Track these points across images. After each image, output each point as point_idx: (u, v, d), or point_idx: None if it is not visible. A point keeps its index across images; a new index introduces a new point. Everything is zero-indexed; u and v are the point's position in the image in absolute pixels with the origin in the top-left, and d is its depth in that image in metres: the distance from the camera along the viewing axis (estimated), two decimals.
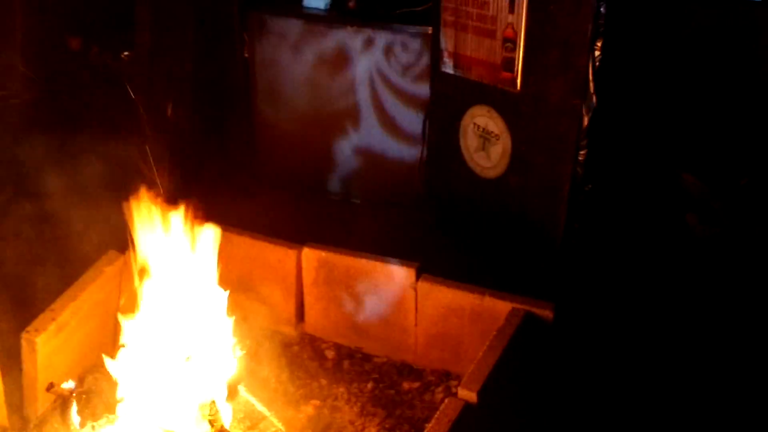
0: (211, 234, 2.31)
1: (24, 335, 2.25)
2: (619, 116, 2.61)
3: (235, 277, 2.56)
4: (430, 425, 1.95)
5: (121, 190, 2.53)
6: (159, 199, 2.31)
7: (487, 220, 2.85)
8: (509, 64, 2.62)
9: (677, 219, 2.75)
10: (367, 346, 2.59)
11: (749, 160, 2.72)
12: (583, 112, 2.51)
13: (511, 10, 2.56)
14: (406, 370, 2.53)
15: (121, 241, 2.55)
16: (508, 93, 2.65)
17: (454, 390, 2.24)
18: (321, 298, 2.61)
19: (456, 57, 2.78)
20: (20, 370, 2.28)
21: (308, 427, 2.29)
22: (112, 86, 3.26)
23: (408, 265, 2.47)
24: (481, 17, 2.64)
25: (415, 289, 2.46)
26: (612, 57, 2.47)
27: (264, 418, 2.31)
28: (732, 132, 2.73)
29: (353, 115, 3.22)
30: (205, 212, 2.45)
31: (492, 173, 2.80)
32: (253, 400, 2.32)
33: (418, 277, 2.46)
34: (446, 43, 2.79)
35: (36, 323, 2.28)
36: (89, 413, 2.28)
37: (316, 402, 2.39)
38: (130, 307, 2.28)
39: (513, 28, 2.58)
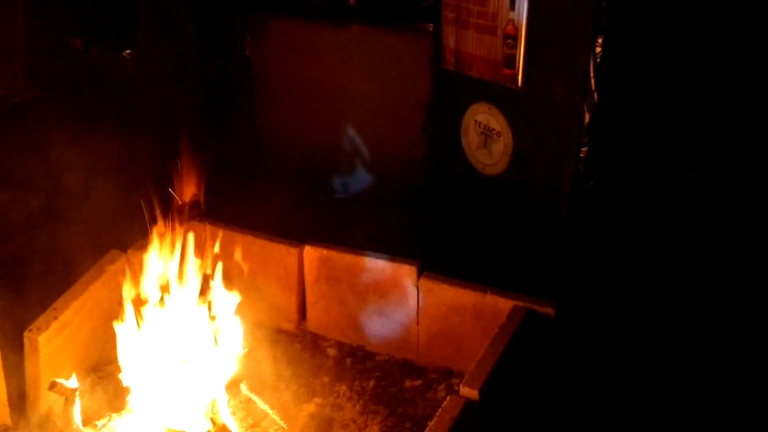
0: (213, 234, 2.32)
1: (26, 334, 2.26)
2: (620, 113, 2.60)
3: (236, 275, 2.56)
4: (432, 423, 1.95)
5: (125, 189, 2.54)
6: (163, 199, 2.32)
7: (489, 218, 2.85)
8: (510, 61, 2.62)
9: (679, 216, 2.75)
10: (369, 343, 2.60)
11: (752, 157, 2.71)
12: (585, 109, 2.51)
13: (512, 6, 2.55)
14: (408, 368, 2.53)
15: (125, 240, 2.57)
16: (510, 90, 2.65)
17: (456, 388, 2.23)
18: (323, 296, 2.61)
19: (457, 54, 2.78)
20: (22, 368, 2.28)
21: (310, 425, 2.29)
22: (114, 85, 3.27)
23: (410, 263, 2.47)
24: (482, 14, 2.64)
25: (417, 287, 2.46)
26: (613, 54, 2.47)
27: (266, 416, 2.31)
28: (735, 129, 2.73)
29: (354, 113, 3.21)
30: (207, 210, 2.46)
31: (493, 170, 2.79)
32: (255, 398, 2.32)
33: (419, 274, 2.46)
34: (447, 40, 2.79)
35: (38, 322, 2.29)
36: (92, 412, 2.29)
37: (318, 400, 2.39)
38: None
39: (514, 24, 2.57)
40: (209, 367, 2.26)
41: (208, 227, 2.42)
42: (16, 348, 2.28)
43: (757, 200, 2.66)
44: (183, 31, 3.20)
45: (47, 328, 2.27)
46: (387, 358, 2.57)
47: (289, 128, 3.34)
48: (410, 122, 3.16)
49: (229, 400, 2.26)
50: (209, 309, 2.31)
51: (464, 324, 2.41)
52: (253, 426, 2.30)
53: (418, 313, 2.48)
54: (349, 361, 2.56)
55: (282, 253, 2.60)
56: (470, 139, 2.84)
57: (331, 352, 2.60)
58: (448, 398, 2.03)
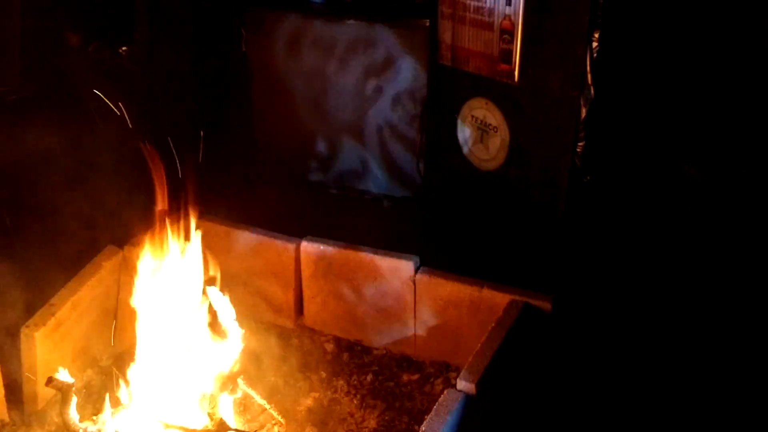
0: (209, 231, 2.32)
1: (23, 330, 2.26)
2: (617, 108, 2.60)
3: (234, 271, 2.57)
4: (430, 416, 1.96)
5: (123, 186, 2.54)
6: (160, 196, 2.32)
7: (486, 212, 2.85)
8: (507, 56, 2.62)
9: (677, 210, 2.75)
10: (367, 338, 2.60)
11: (749, 150, 2.71)
12: (582, 103, 2.51)
13: (508, 1, 2.55)
14: (406, 363, 2.53)
15: (121, 236, 2.57)
16: (506, 85, 2.65)
17: (453, 381, 2.24)
18: (320, 291, 2.61)
19: (453, 49, 2.77)
20: (20, 364, 2.28)
21: (308, 420, 2.30)
22: (112, 81, 3.26)
23: (407, 258, 2.48)
24: (478, 9, 2.64)
25: (414, 282, 2.46)
26: (610, 48, 2.47)
27: (263, 410, 2.31)
28: (732, 123, 2.73)
29: (352, 109, 3.21)
30: (204, 206, 2.46)
31: (490, 165, 2.79)
32: (253, 393, 2.32)
33: (416, 269, 2.47)
34: (444, 35, 2.78)
35: (35, 318, 2.29)
36: (89, 407, 2.29)
37: (316, 394, 2.39)
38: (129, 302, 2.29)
39: (510, 19, 2.57)
40: (207, 363, 2.26)
41: (206, 223, 2.42)
42: (14, 344, 2.28)
43: (755, 193, 2.66)
44: (180, 27, 3.20)
45: (44, 324, 2.27)
46: (384, 352, 2.57)
47: (286, 124, 3.33)
48: (407, 118, 3.16)
49: (226, 395, 2.26)
50: (208, 306, 2.31)
51: (461, 318, 2.41)
52: (250, 421, 2.30)
53: (415, 307, 2.49)
54: (346, 355, 2.56)
55: (279, 249, 2.60)
56: (467, 134, 2.84)
57: (329, 347, 2.60)
58: (445, 392, 2.03)
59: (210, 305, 2.33)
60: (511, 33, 2.58)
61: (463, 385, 2.03)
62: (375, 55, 3.11)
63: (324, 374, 2.48)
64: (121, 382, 2.23)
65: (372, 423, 2.31)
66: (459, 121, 2.86)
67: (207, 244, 2.33)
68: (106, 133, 2.94)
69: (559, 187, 2.62)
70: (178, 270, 2.30)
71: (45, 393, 2.28)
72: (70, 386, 2.16)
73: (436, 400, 2.01)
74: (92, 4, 3.32)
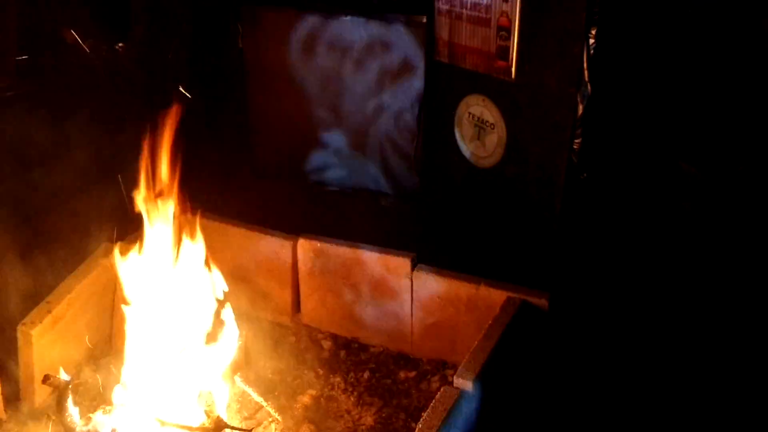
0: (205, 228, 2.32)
1: (20, 327, 2.26)
2: (614, 104, 2.60)
3: (231, 268, 2.56)
4: (426, 414, 1.96)
5: (118, 182, 2.53)
6: (156, 192, 2.31)
7: (483, 210, 2.85)
8: (504, 52, 2.61)
9: (673, 207, 2.75)
10: (364, 336, 2.60)
11: (745, 147, 2.71)
12: (578, 100, 2.51)
13: None
14: (403, 360, 2.53)
15: (118, 232, 2.56)
16: (503, 82, 2.64)
17: (450, 379, 2.24)
18: (317, 288, 2.61)
19: (450, 46, 2.77)
20: (16, 362, 2.28)
21: (305, 417, 2.30)
22: (107, 78, 3.25)
23: (404, 255, 2.48)
24: (475, 6, 2.63)
25: (411, 279, 2.46)
26: (607, 45, 2.46)
27: (260, 408, 2.31)
28: (729, 119, 2.73)
29: (348, 105, 3.21)
30: (200, 203, 2.45)
31: (487, 162, 2.79)
32: (250, 391, 2.32)
33: (413, 267, 2.46)
34: (440, 32, 2.78)
35: (32, 315, 2.29)
36: (86, 405, 2.29)
37: (313, 392, 2.39)
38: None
39: (507, 16, 2.57)
40: (204, 360, 2.26)
41: (202, 220, 2.42)
42: (10, 342, 2.28)
43: (751, 189, 2.66)
44: (176, 23, 3.19)
45: (41, 322, 2.27)
46: (381, 349, 2.57)
47: (283, 120, 3.33)
48: (404, 114, 3.15)
49: (223, 393, 2.26)
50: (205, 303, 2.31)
51: (458, 316, 2.41)
52: (247, 418, 2.30)
53: (412, 305, 2.49)
54: (343, 353, 2.56)
55: (276, 246, 2.60)
56: (464, 131, 2.84)
57: (326, 344, 2.60)
58: (442, 389, 2.03)
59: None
60: (508, 30, 2.58)
61: (459, 382, 2.03)
62: (371, 50, 3.10)
63: (321, 371, 2.48)
64: (118, 379, 2.23)
65: (369, 420, 2.31)
66: (456, 118, 2.85)
67: (204, 242, 2.34)
68: (102, 130, 2.94)
69: (556, 184, 2.62)
70: (175, 265, 2.30)
71: (42, 390, 2.27)
72: (66, 384, 2.16)
73: (433, 398, 2.01)
74: (89, 0, 3.31)
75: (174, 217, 2.30)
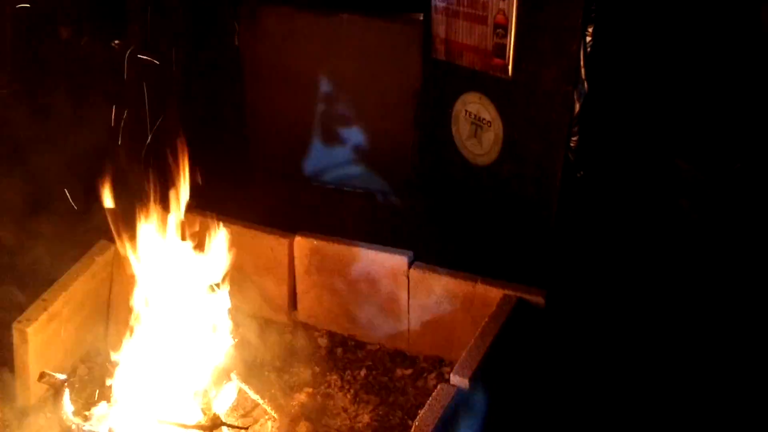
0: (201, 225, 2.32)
1: (16, 325, 2.25)
2: (611, 102, 2.60)
3: (228, 266, 2.56)
4: (423, 411, 1.96)
5: (113, 180, 2.52)
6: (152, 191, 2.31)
7: (479, 207, 2.85)
8: (501, 50, 2.61)
9: (670, 204, 2.75)
10: (360, 333, 2.60)
11: (743, 144, 2.72)
12: (575, 98, 2.51)
13: None
14: (399, 357, 2.53)
15: (115, 229, 2.56)
16: (500, 80, 2.64)
17: (446, 376, 2.24)
18: (313, 286, 2.61)
19: (447, 43, 2.77)
20: (12, 360, 2.28)
21: (301, 415, 2.30)
22: (102, 75, 3.25)
23: (400, 253, 2.48)
24: (472, 3, 2.63)
25: (408, 277, 2.46)
26: (603, 43, 2.46)
27: (257, 405, 2.31)
28: (725, 117, 2.73)
29: (345, 103, 3.20)
30: (196, 201, 2.45)
31: (484, 160, 2.79)
32: (246, 388, 2.32)
33: (410, 264, 2.46)
34: (437, 29, 2.78)
35: (28, 313, 2.28)
36: (82, 402, 2.29)
37: (309, 389, 2.39)
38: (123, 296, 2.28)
39: (504, 14, 2.56)
40: (200, 357, 2.26)
41: (200, 218, 2.41)
42: (6, 339, 2.28)
43: (748, 187, 2.67)
44: (173, 21, 3.18)
45: (37, 319, 2.27)
46: (378, 347, 2.57)
47: (280, 118, 3.32)
48: (401, 112, 3.15)
49: (220, 390, 2.26)
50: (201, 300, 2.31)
51: (455, 313, 2.41)
52: (244, 416, 2.30)
53: (408, 302, 2.49)
54: (340, 350, 2.56)
55: (273, 244, 2.60)
56: (461, 129, 2.84)
57: (322, 341, 2.60)
58: (438, 387, 2.03)
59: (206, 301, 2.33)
60: (505, 27, 2.58)
61: (456, 379, 2.04)
62: (368, 49, 3.10)
63: (317, 369, 2.47)
64: (115, 377, 2.23)
65: (365, 418, 2.31)
66: (453, 116, 2.85)
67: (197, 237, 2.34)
68: (98, 126, 2.94)
69: (552, 181, 2.62)
70: (175, 265, 2.30)
71: (38, 388, 2.27)
72: (62, 381, 2.16)
73: (430, 395, 2.01)
74: None
75: (173, 214, 2.30)
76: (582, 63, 2.46)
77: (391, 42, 3.03)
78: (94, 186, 2.67)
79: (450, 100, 2.84)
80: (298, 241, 2.58)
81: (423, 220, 3.00)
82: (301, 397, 2.36)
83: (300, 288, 2.63)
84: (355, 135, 3.22)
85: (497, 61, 2.63)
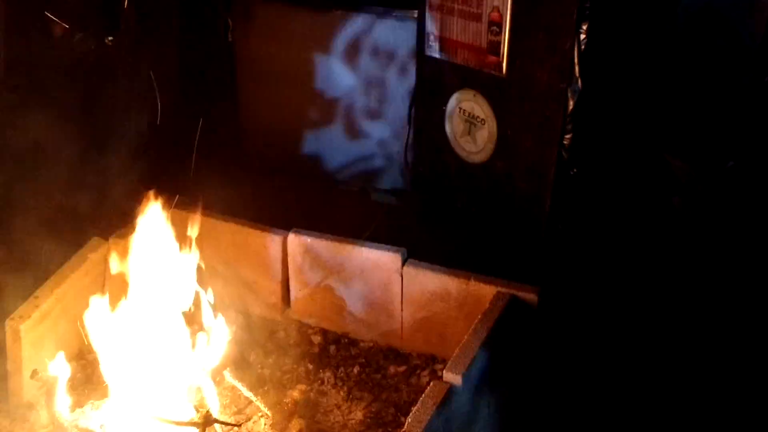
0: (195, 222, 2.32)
1: (8, 322, 2.25)
2: (604, 100, 2.61)
3: (220, 264, 2.56)
4: (416, 408, 1.96)
5: (108, 179, 2.52)
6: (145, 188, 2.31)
7: (473, 205, 2.85)
8: (495, 48, 2.61)
9: (663, 202, 2.76)
10: (354, 331, 2.60)
11: (735, 143, 2.73)
12: (569, 95, 2.51)
13: None
14: (393, 355, 2.53)
15: (106, 226, 2.55)
16: (494, 77, 2.65)
17: (439, 373, 2.24)
18: (307, 283, 2.61)
19: (442, 41, 2.77)
20: (4, 357, 2.27)
21: (295, 412, 2.30)
22: (96, 72, 3.23)
23: (394, 251, 2.47)
24: (467, 0, 2.63)
25: (401, 274, 2.46)
26: (598, 40, 2.47)
27: (250, 403, 2.31)
28: (718, 115, 2.74)
29: (339, 100, 3.21)
30: (189, 198, 2.45)
31: (478, 158, 2.80)
32: (239, 386, 2.32)
33: (403, 262, 2.46)
34: (432, 26, 2.78)
35: (20, 310, 2.28)
36: (74, 400, 2.28)
37: (303, 387, 2.39)
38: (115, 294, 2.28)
39: (499, 11, 2.57)
40: (193, 355, 2.25)
41: (192, 215, 2.41)
42: None
43: (741, 185, 2.68)
44: (166, 17, 3.17)
45: (29, 317, 2.26)
46: (371, 344, 2.57)
47: (273, 115, 3.32)
48: (395, 109, 3.15)
49: (213, 388, 2.26)
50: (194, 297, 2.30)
51: (448, 311, 2.42)
52: (237, 413, 2.30)
53: (402, 300, 2.49)
54: (333, 348, 2.56)
55: (266, 241, 2.59)
56: (455, 126, 2.84)
57: (316, 339, 2.60)
58: (431, 384, 2.03)
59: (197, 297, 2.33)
60: (500, 25, 2.58)
61: (449, 376, 2.04)
62: (362, 45, 3.10)
63: (311, 366, 2.47)
64: (107, 374, 2.22)
65: (359, 415, 2.31)
66: (447, 114, 2.85)
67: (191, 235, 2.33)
68: (91, 123, 2.93)
69: (546, 179, 2.62)
70: (164, 259, 2.29)
71: (30, 386, 2.26)
72: (55, 379, 2.15)
73: (423, 392, 2.01)
74: None
75: (165, 211, 2.30)
76: (576, 61, 2.46)
77: (385, 38, 3.03)
78: (88, 182, 2.68)
79: (444, 97, 2.84)
80: (292, 238, 2.57)
81: (416, 217, 3.00)
82: (295, 394, 2.36)
83: (293, 285, 2.63)
84: (348, 132, 3.23)
85: (491, 58, 2.63)
